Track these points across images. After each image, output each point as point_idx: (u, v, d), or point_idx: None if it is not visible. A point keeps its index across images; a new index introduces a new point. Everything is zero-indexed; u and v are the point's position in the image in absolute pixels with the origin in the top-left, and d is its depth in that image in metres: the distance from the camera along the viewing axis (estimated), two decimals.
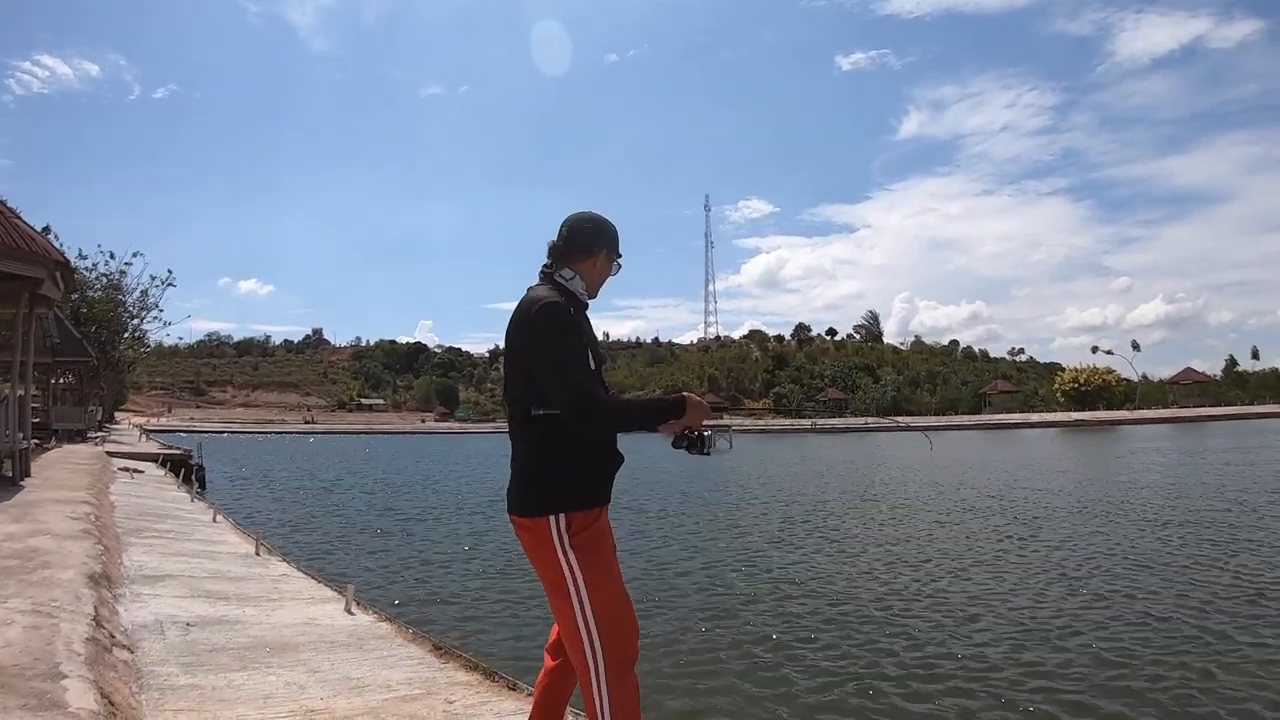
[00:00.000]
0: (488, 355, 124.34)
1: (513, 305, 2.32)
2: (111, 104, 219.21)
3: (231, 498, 16.51)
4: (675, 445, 2.35)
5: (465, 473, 26.58)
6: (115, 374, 36.12)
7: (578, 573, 2.14)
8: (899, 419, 65.59)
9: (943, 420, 65.41)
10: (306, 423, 69.48)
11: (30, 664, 2.85)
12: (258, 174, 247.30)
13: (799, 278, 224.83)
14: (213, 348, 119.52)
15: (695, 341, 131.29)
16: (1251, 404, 57.49)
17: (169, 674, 3.35)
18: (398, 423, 77.87)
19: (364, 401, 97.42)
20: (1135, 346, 78.28)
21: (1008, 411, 68.00)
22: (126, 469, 13.67)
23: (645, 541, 11.54)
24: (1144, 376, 70.20)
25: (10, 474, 8.95)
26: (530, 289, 2.31)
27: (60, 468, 11.44)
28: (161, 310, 35.85)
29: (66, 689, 2.66)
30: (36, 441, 14.01)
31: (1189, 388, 64.31)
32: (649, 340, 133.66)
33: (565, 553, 2.15)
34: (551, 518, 2.15)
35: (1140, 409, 57.63)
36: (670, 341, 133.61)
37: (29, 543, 5.15)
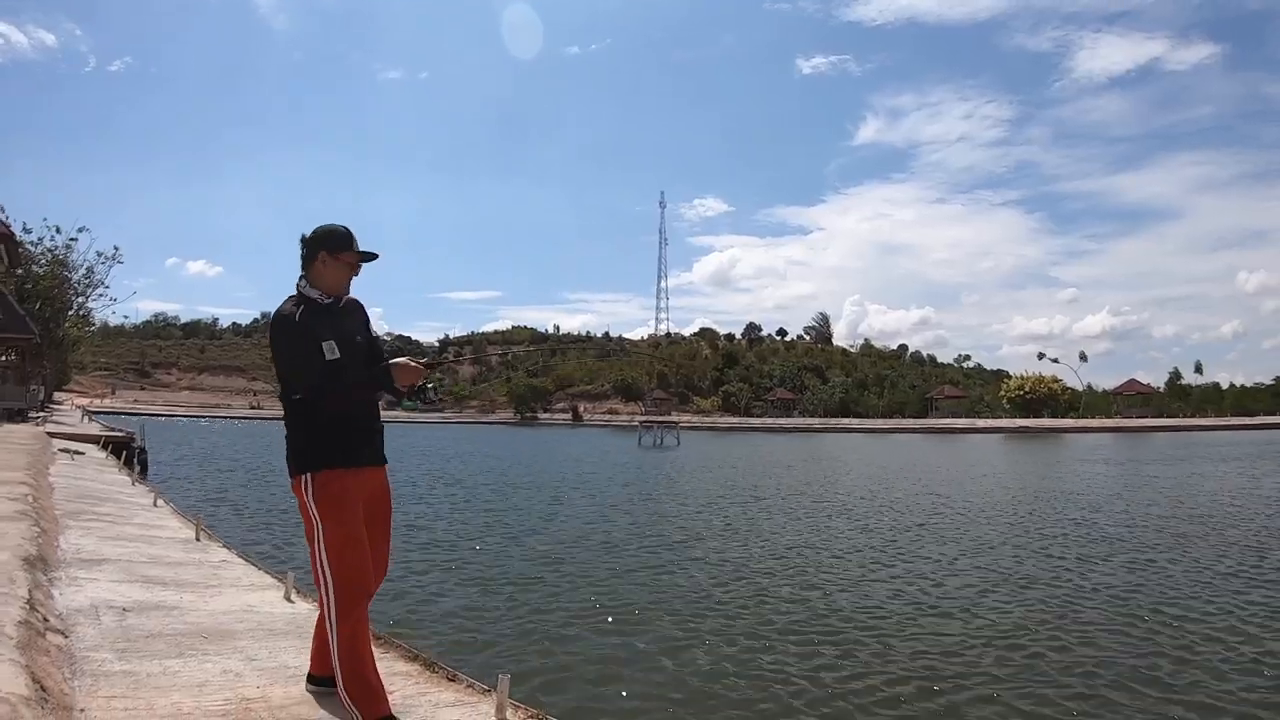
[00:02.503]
0: (437, 344, 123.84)
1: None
2: (66, 75, 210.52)
3: (173, 483, 16.25)
4: (398, 404, 3.03)
5: (402, 463, 26.45)
6: (59, 353, 35.07)
7: (318, 523, 2.72)
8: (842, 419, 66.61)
9: (889, 423, 66.73)
10: (252, 408, 67.66)
11: None
12: (210, 153, 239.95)
13: (751, 277, 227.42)
14: (159, 328, 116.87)
15: (646, 337, 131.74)
16: (1193, 416, 59.46)
17: (103, 660, 3.33)
18: None
19: None
20: (1082, 357, 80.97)
21: (954, 416, 69.49)
22: (67, 450, 13.37)
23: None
24: (1088, 386, 72.44)
25: None
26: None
27: None
28: (107, 288, 34.71)
29: None
30: None
31: (1132, 398, 66.16)
32: (599, 334, 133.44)
33: (311, 506, 2.73)
34: (302, 476, 2.75)
35: (1085, 418, 59.32)
36: (620, 336, 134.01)
37: None
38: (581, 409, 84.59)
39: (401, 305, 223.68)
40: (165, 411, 51.70)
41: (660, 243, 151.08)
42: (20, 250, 25.31)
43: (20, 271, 26.48)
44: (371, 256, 2.95)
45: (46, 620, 3.49)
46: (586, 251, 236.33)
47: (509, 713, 3.17)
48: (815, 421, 70.61)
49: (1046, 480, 22.80)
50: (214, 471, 20.54)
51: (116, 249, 34.68)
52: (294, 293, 2.88)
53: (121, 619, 3.94)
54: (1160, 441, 38.75)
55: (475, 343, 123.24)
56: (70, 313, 32.96)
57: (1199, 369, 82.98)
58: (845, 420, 70.47)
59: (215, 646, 3.79)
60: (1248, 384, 73.55)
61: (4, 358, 22.64)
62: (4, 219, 26.11)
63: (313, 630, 3.06)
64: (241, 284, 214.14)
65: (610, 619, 7.30)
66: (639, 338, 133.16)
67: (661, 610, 7.73)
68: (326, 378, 2.73)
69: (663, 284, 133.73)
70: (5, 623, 3.07)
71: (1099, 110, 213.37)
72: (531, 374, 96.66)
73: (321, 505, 2.73)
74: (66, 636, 3.49)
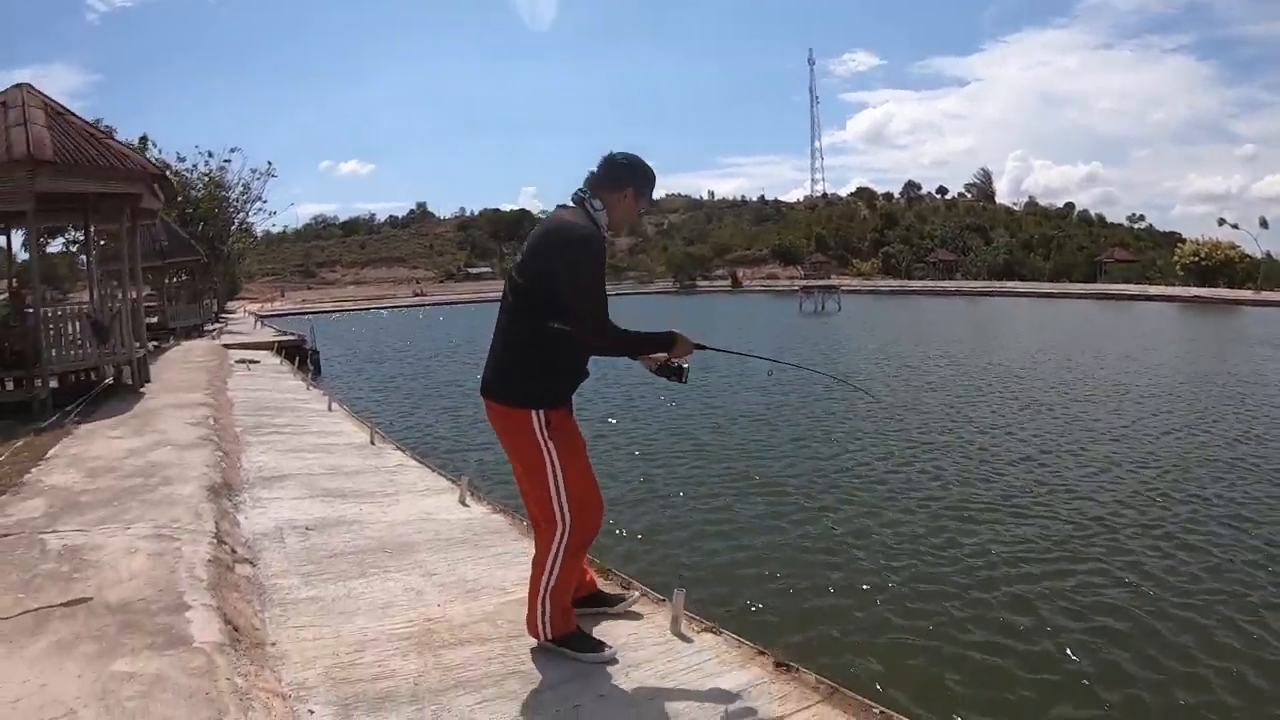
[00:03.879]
0: None
1: None
2: (193, 5, 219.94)
3: (345, 382, 16.87)
4: (657, 373, 2.74)
5: None
6: (226, 267, 37.13)
7: (556, 458, 2.57)
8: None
9: (1056, 287, 61.62)
10: (416, 295, 70.25)
11: (155, 596, 2.89)
12: (349, 55, 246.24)
13: (907, 133, 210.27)
14: (319, 230, 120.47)
15: (802, 200, 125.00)
16: None
17: (290, 587, 3.37)
18: None
19: (471, 271, 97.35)
20: (1263, 223, 70.62)
21: (1125, 282, 62.93)
22: (243, 361, 14.03)
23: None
24: (1267, 254, 62.98)
25: (131, 381, 9.34)
26: (561, 210, 2.65)
27: (179, 368, 11.88)
28: (265, 201, 36.67)
29: (190, 620, 2.69)
30: (155, 344, 14.63)
31: None
32: (754, 199, 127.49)
33: (546, 443, 2.56)
34: (533, 411, 2.55)
35: (1263, 290, 51.86)
36: (776, 199, 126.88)
37: (150, 457, 5.33)
38: (740, 275, 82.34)
39: (554, 181, 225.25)
40: (333, 308, 54.77)
41: (811, 101, 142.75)
42: (177, 178, 26.96)
43: (180, 199, 27.99)
44: (654, 205, 2.73)
45: (234, 551, 3.57)
46: (736, 115, 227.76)
47: (684, 625, 3.13)
48: (978, 284, 66.02)
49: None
50: (384, 365, 21.03)
51: (270, 164, 35.96)
52: (572, 205, 2.66)
53: (305, 539, 4.02)
54: None
55: None
56: (233, 229, 34.78)
57: None
58: (1010, 284, 65.44)
59: (395, 562, 3.80)
60: None
61: (177, 280, 24.29)
62: (158, 156, 27.92)
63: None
64: (395, 178, 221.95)
65: (784, 522, 6.95)
66: (795, 200, 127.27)
67: (852, 512, 7.26)
68: (608, 319, 2.54)
69: (816, 144, 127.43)
70: (195, 563, 3.13)
71: None
72: (689, 241, 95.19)
73: (560, 443, 2.60)
74: (254, 565, 3.56)
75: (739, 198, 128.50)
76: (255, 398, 9.68)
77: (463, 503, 5.10)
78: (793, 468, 8.52)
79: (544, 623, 2.74)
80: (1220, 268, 57.83)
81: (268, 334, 22.40)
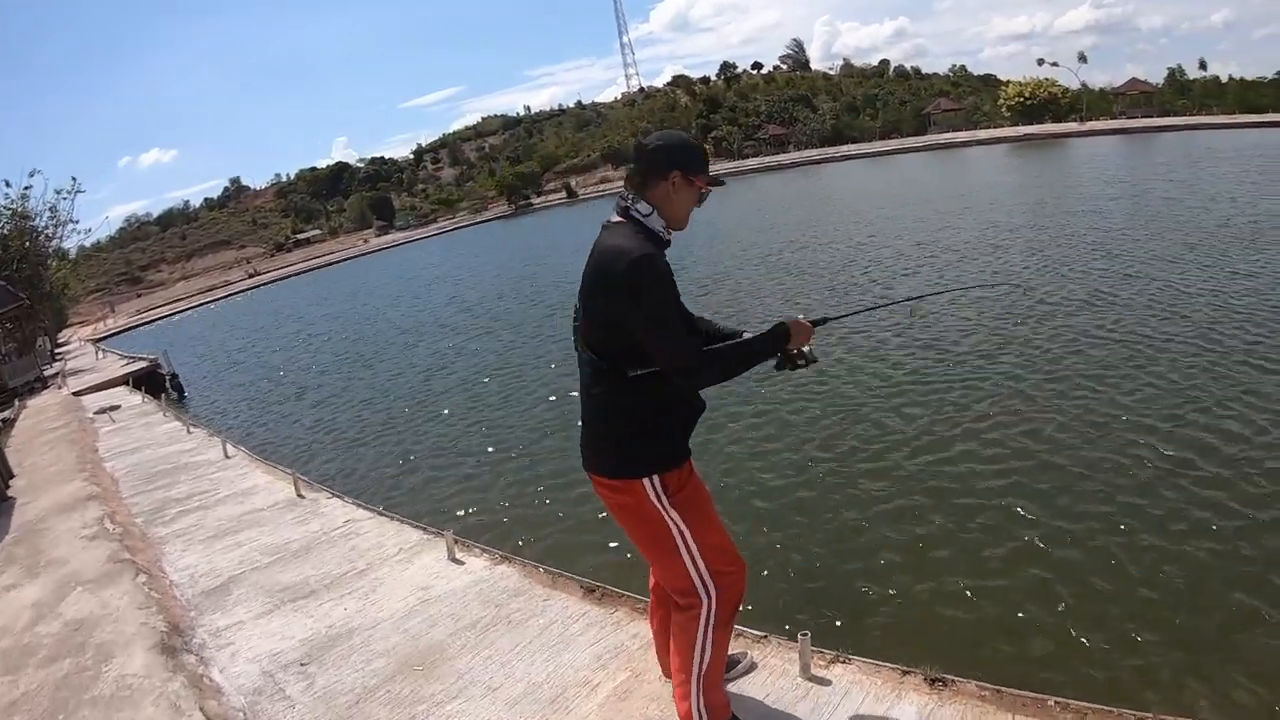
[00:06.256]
0: (412, 157, 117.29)
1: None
2: None
3: (216, 406, 15.24)
4: (778, 368, 2.31)
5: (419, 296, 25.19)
6: (52, 302, 33.76)
7: (685, 530, 2.16)
8: None
9: (889, 144, 64.08)
10: (250, 276, 65.33)
11: None
12: (121, 39, 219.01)
13: (712, 15, 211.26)
14: (135, 231, 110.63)
15: (619, 98, 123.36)
16: (1198, 114, 55.28)
17: None
18: (339, 249, 73.46)
19: (299, 237, 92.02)
20: (1081, 58, 76.17)
21: (953, 130, 66.16)
22: (102, 410, 12.48)
23: None
24: (1083, 85, 67.85)
25: None
26: (605, 232, 2.15)
27: (40, 444, 10.21)
28: (77, 222, 33.00)
29: None
30: (3, 419, 13.04)
31: (1136, 98, 62.12)
32: (571, 105, 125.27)
33: (670, 515, 2.15)
34: (646, 480, 2.13)
35: (1089, 121, 55.94)
36: (594, 102, 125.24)
37: (65, 614, 4.20)
38: (574, 184, 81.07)
39: (366, 127, 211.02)
40: (169, 311, 50.16)
41: None
42: None
43: None
44: (719, 182, 2.25)
45: None
46: (539, 23, 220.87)
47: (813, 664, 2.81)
48: (813, 153, 67.54)
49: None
50: (242, 367, 19.31)
51: (74, 180, 32.67)
52: (617, 219, 2.17)
53: (309, 685, 3.20)
54: (1168, 144, 34.62)
55: (450, 144, 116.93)
56: (50, 260, 31.31)
57: (1203, 65, 76.12)
58: (843, 148, 67.32)
59: (439, 686, 3.09)
60: (1245, 77, 68.96)
61: (2, 331, 21.77)
62: None
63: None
64: (200, 160, 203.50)
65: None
66: (612, 99, 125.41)
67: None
68: (698, 350, 2.09)
69: (624, 39, 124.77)
70: None
71: None
72: (514, 161, 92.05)
73: (685, 511, 2.19)
74: None
75: (556, 107, 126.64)
76: (138, 463, 8.32)
77: (453, 559, 4.35)
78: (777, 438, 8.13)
79: (700, 711, 2.33)
80: (1045, 105, 61.82)
81: (114, 364, 20.28)
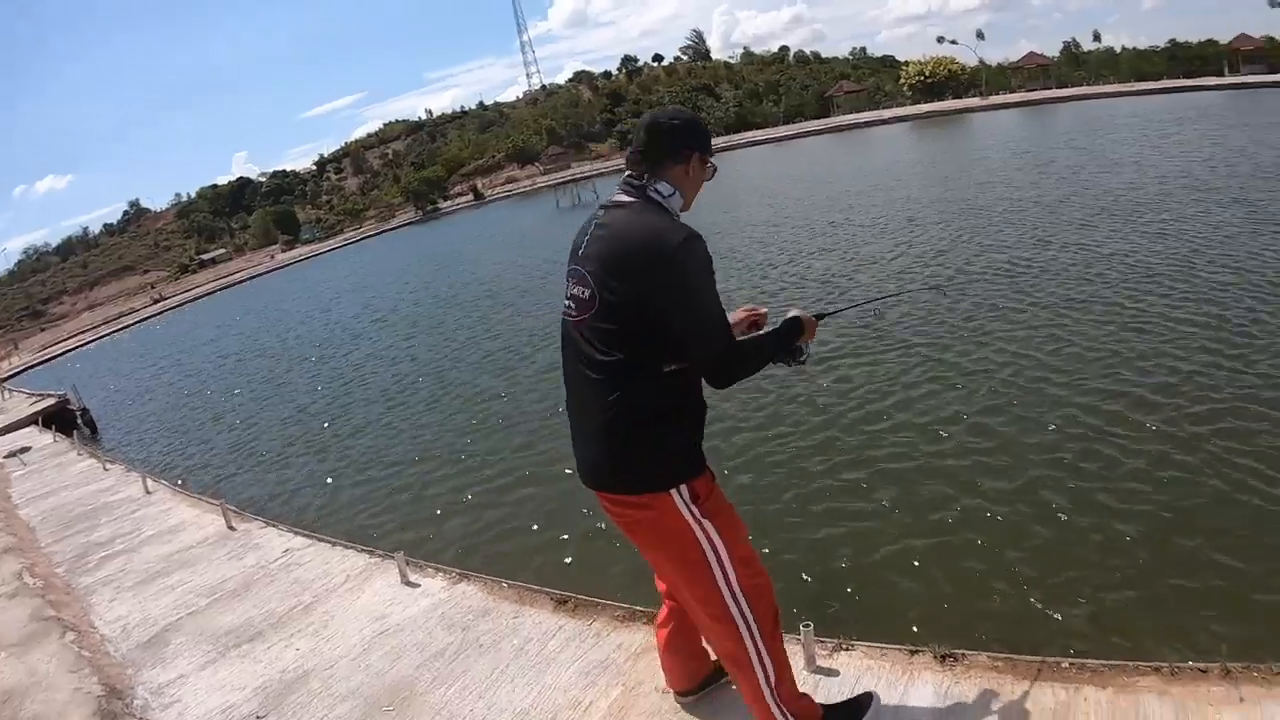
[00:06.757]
0: (315, 168, 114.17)
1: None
2: None
3: (128, 433, 14.52)
4: (774, 361, 2.20)
5: (327, 313, 24.12)
6: None
7: (717, 542, 1.98)
8: None
9: (793, 129, 65.26)
10: (156, 302, 62.11)
11: None
12: (8, 66, 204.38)
13: (610, 9, 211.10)
14: (34, 263, 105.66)
15: (522, 96, 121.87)
16: (1094, 84, 58.18)
17: None
18: (247, 267, 70.73)
19: (204, 258, 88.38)
20: (979, 35, 79.38)
21: (856, 111, 67.78)
22: (12, 453, 11.79)
23: None
24: (981, 62, 70.68)
25: None
26: (621, 208, 1.97)
27: None
28: None
29: None
30: None
31: (1033, 71, 64.80)
32: (474, 106, 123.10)
33: (699, 523, 1.96)
34: (674, 491, 1.93)
35: (989, 95, 58.20)
36: (496, 103, 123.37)
37: None
38: (480, 185, 79.83)
39: (266, 139, 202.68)
40: (75, 344, 47.21)
41: None
42: None
43: None
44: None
45: None
46: (436, 25, 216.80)
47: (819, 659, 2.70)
48: (719, 141, 68.00)
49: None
50: (159, 400, 17.99)
51: None
52: (631, 198, 1.98)
53: None
54: (1067, 115, 36.04)
55: (352, 152, 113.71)
56: None
57: (1097, 37, 79.54)
58: (748, 134, 68.18)
59: None
60: (1136, 47, 72.98)
61: None
62: None
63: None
64: (97, 184, 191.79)
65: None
66: (514, 99, 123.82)
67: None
68: (734, 339, 1.94)
69: (524, 37, 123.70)
70: None
71: None
72: (419, 166, 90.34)
73: (718, 519, 2.00)
74: None
75: (458, 109, 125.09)
76: (54, 508, 7.73)
77: (406, 582, 4.06)
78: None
79: None
80: (945, 82, 64.04)
81: (21, 403, 19.17)
